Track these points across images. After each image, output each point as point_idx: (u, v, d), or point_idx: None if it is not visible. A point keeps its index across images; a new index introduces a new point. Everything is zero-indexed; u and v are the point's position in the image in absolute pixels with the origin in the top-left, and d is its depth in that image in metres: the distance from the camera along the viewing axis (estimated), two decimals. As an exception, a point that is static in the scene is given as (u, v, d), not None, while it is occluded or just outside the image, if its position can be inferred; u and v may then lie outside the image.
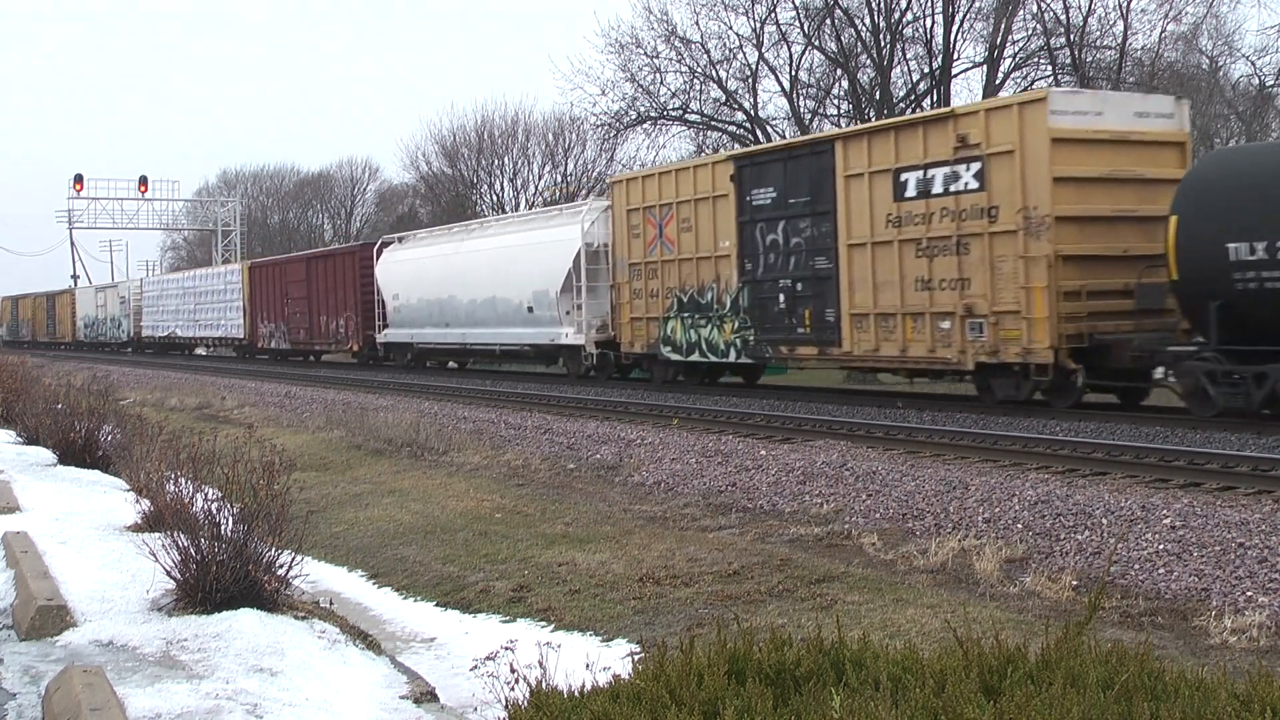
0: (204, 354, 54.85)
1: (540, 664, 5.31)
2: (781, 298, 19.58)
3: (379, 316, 34.57)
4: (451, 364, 34.19)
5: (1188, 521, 9.32)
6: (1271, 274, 13.11)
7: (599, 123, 41.91)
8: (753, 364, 21.66)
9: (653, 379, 23.81)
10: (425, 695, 6.64)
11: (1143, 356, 15.09)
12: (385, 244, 35.44)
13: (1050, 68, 35.19)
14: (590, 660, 5.77)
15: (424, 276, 31.52)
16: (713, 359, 21.44)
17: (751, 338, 20.31)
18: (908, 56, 36.84)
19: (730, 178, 20.55)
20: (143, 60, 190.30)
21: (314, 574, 9.94)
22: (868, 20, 35.89)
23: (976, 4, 35.25)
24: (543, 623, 8.76)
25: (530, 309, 26.66)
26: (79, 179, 68.12)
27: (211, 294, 49.01)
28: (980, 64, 36.50)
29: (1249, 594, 7.94)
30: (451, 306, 30.23)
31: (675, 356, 22.29)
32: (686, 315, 21.71)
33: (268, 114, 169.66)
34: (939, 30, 35.56)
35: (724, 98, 39.10)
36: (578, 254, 25.00)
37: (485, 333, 28.87)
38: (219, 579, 7.60)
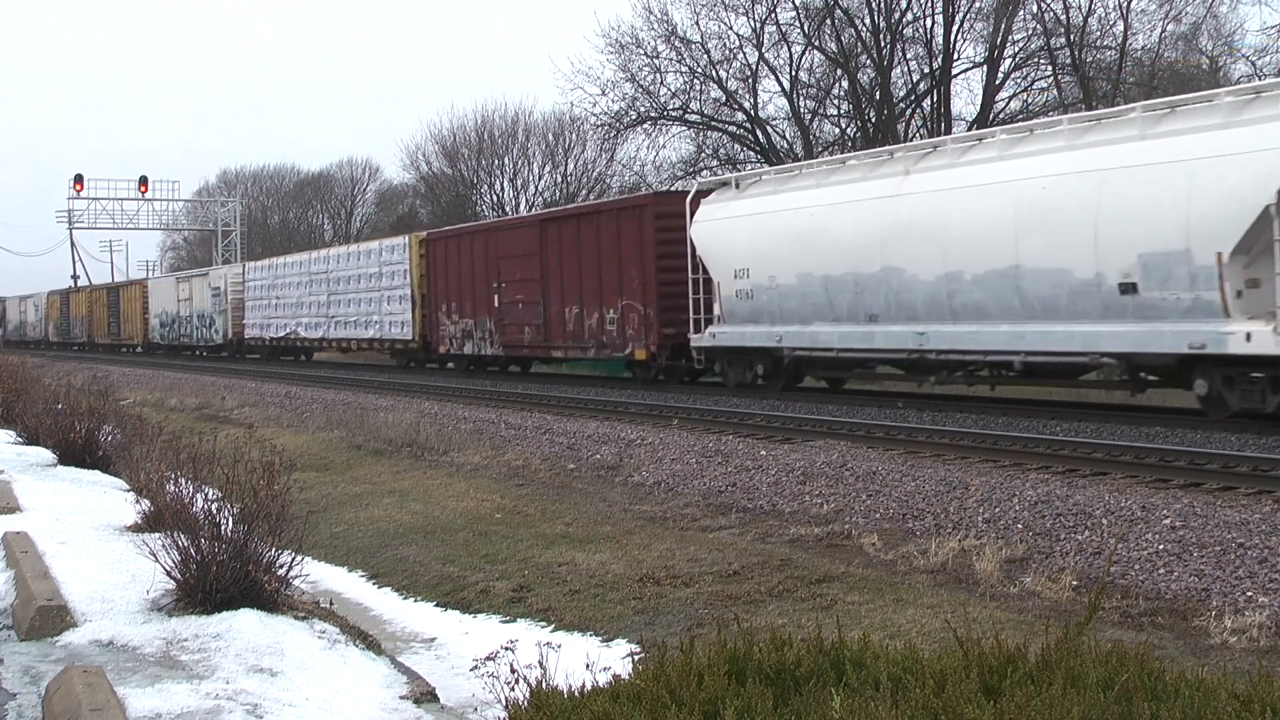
0: (333, 360, 43.17)
1: (540, 664, 5.31)
2: None
3: (696, 308, 21.75)
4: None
5: (1188, 521, 9.32)
6: None
7: (599, 123, 41.98)
8: None
9: None
10: (425, 695, 6.63)
11: None
12: (702, 192, 22.27)
13: (1050, 68, 35.24)
14: (590, 660, 5.76)
15: (809, 237, 19.16)
16: None
17: None
18: (908, 56, 36.91)
19: None
20: (143, 60, 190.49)
21: (314, 574, 9.94)
22: (868, 20, 35.94)
23: (976, 4, 35.33)
24: (543, 623, 8.77)
25: (1129, 287, 14.47)
26: (79, 179, 68.24)
27: (358, 280, 36.06)
28: (980, 64, 36.56)
29: (1249, 594, 7.94)
30: (889, 286, 17.83)
31: None
32: None
33: (268, 114, 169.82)
34: (939, 30, 35.62)
35: (724, 98, 39.15)
36: None
37: (985, 333, 16.49)
38: (219, 579, 7.60)
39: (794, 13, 37.14)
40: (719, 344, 21.26)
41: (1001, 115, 35.48)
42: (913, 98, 37.07)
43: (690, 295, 21.87)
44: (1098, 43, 34.47)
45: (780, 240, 19.84)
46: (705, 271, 21.62)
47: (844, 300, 18.76)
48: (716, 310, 21.31)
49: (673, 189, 26.54)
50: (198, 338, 50.29)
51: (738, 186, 21.67)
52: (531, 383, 26.77)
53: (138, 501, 10.27)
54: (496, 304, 28.44)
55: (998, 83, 35.62)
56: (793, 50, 37.94)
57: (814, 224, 19.19)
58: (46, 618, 7.37)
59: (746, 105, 39.07)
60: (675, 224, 22.33)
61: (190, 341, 51.39)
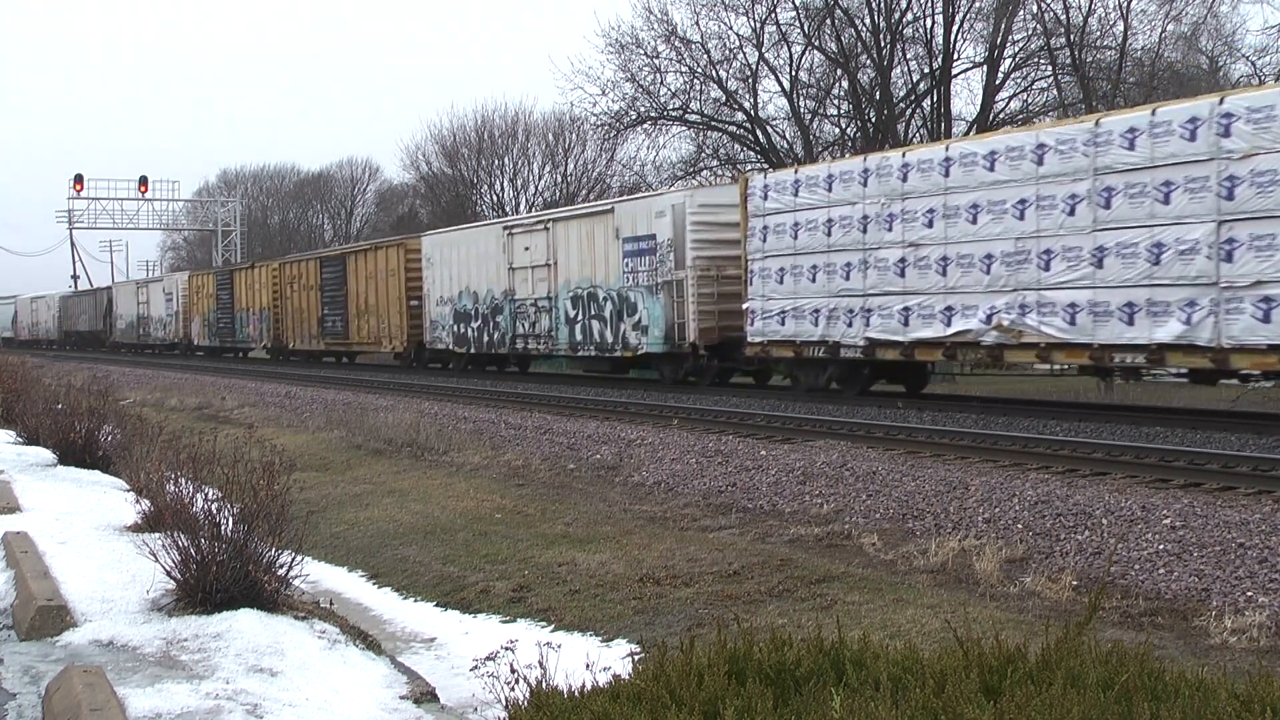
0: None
1: (540, 664, 5.31)
2: None
3: None
4: None
5: (1188, 521, 9.32)
6: None
7: (599, 123, 42.02)
8: None
9: None
10: (425, 695, 6.63)
11: None
12: None
13: (1050, 68, 35.23)
14: (590, 660, 5.77)
15: None
16: None
17: None
18: (908, 56, 36.93)
19: None
20: (142, 60, 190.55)
21: (314, 574, 9.94)
22: (868, 20, 35.94)
23: (976, 4, 35.32)
24: (543, 623, 8.76)
25: None
26: (79, 179, 68.26)
27: None
28: (980, 64, 36.59)
29: (1249, 594, 7.94)
30: None
31: None
32: None
33: (268, 114, 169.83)
34: (939, 30, 35.62)
35: (724, 98, 39.16)
36: None
37: None
38: (219, 579, 7.60)
39: (794, 13, 37.15)
40: None
41: (1001, 115, 35.50)
42: (913, 98, 37.06)
43: None
44: (1098, 43, 34.48)
45: None
46: None
47: None
48: None
49: None
50: (570, 342, 25.45)
51: None
52: (531, 383, 26.73)
53: (138, 501, 10.26)
54: None
55: (998, 83, 35.64)
56: (793, 50, 37.98)
57: None
58: (46, 618, 7.37)
59: (746, 105, 39.07)
60: None
61: (543, 348, 26.59)
